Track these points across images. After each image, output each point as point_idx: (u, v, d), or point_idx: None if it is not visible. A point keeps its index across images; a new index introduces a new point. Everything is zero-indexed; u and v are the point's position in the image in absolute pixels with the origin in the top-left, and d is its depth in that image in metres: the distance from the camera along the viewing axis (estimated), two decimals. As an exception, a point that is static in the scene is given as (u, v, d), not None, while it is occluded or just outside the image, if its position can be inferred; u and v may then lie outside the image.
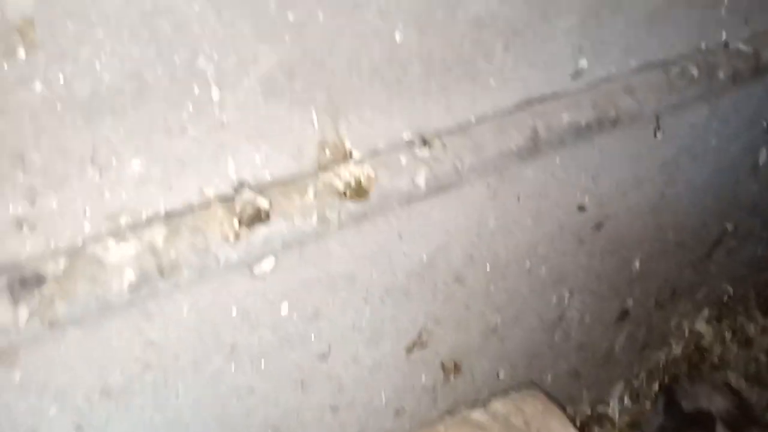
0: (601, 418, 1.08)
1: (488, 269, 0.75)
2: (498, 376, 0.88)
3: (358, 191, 0.53)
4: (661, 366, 1.15)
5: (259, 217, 0.48)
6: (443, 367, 0.79)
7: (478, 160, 0.63)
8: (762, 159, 1.02)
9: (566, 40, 0.67)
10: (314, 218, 0.52)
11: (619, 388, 1.12)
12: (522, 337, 0.87)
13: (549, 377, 0.97)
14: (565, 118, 0.67)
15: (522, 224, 0.75)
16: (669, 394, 0.99)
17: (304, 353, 0.63)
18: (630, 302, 1.00)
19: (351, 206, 0.54)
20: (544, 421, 0.75)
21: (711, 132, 0.91)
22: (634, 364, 1.12)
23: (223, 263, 0.48)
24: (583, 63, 0.69)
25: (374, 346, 0.69)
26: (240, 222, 0.48)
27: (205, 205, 0.49)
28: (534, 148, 0.66)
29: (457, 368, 0.81)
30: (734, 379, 1.10)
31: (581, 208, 0.81)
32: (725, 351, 1.14)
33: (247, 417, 0.61)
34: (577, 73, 0.69)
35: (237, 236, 0.48)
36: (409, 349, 0.73)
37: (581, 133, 0.70)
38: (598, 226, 0.84)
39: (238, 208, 0.48)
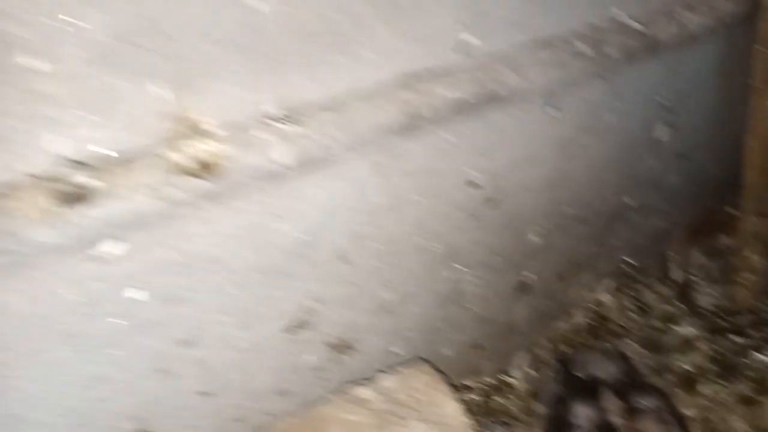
0: (503, 387, 1.10)
1: (376, 246, 0.73)
2: (391, 351, 0.87)
3: (209, 168, 0.49)
4: (563, 335, 1.17)
5: (83, 197, 0.44)
6: (331, 345, 0.77)
7: (351, 135, 0.60)
8: (659, 135, 1.03)
9: (448, 13, 0.64)
10: (156, 197, 0.48)
11: (522, 357, 1.14)
12: (416, 313, 0.86)
13: (449, 350, 0.97)
14: (446, 93, 0.64)
15: (410, 200, 0.73)
16: (563, 363, 1.01)
17: (164, 339, 0.60)
18: (529, 275, 1.01)
19: (201, 184, 0.50)
20: (428, 393, 0.75)
21: (607, 109, 0.91)
22: (536, 334, 1.14)
23: (43, 247, 0.44)
24: (467, 37, 0.66)
25: (248, 329, 0.67)
26: (61, 202, 0.43)
27: (18, 184, 0.44)
28: (413, 124, 0.64)
29: (346, 346, 0.79)
30: (632, 345, 1.13)
31: (472, 184, 0.79)
32: (625, 319, 1.18)
33: (99, 407, 0.58)
34: (461, 48, 0.66)
35: (57, 216, 0.43)
36: (291, 330, 0.71)
37: (465, 109, 0.68)
38: (492, 202, 0.83)
39: (59, 187, 0.44)
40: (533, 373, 1.13)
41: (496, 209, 0.84)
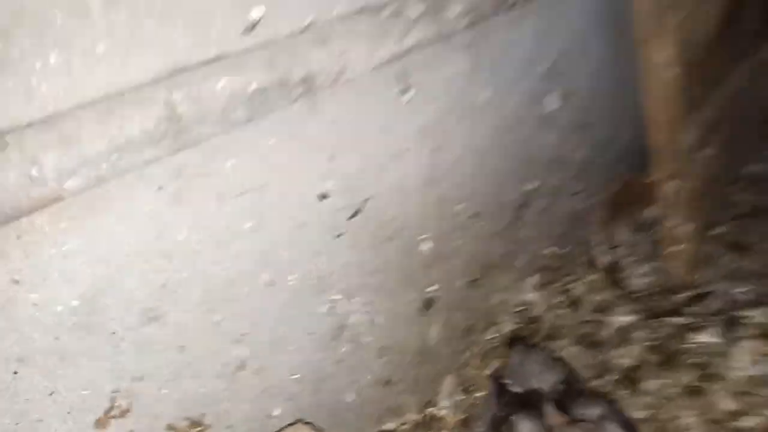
0: (431, 422, 0.93)
1: (199, 296, 0.56)
2: (270, 415, 0.70)
3: None
4: (492, 347, 1.02)
5: None
6: (173, 429, 0.60)
7: (81, 158, 0.43)
8: (549, 107, 0.90)
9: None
10: None
11: (448, 383, 0.98)
12: (291, 363, 0.69)
13: (351, 396, 0.81)
14: (235, 84, 0.48)
15: (236, 231, 0.57)
16: (497, 382, 0.86)
17: None
18: (432, 288, 0.86)
19: None
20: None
21: (478, 85, 0.77)
22: (459, 353, 0.98)
23: None
24: (258, 13, 0.51)
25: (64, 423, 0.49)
26: None
27: None
28: (180, 129, 0.47)
29: (196, 425, 0.62)
30: (567, 347, 0.99)
31: (323, 196, 0.64)
32: (555, 317, 1.04)
33: None
34: (251, 27, 0.51)
35: None
36: (102, 423, 0.53)
37: (272, 103, 0.52)
38: (355, 213, 0.68)
39: None
40: (464, 397, 0.98)
41: (362, 221, 0.69)
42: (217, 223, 0.55)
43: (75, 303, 0.48)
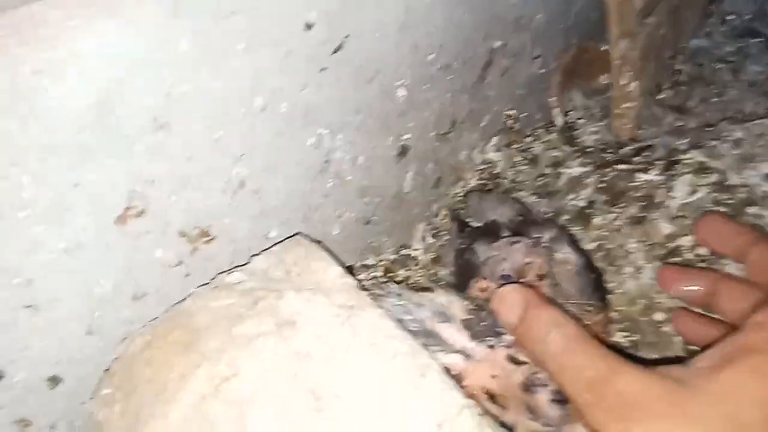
0: (405, 260, 1.02)
1: (201, 110, 0.60)
2: (267, 236, 0.76)
3: None
4: (458, 200, 1.10)
5: None
6: (185, 235, 0.65)
7: None
8: (514, -37, 0.94)
9: None
10: None
11: (420, 229, 1.06)
12: (284, 189, 0.75)
13: (336, 228, 0.88)
14: None
15: (232, 50, 0.60)
16: (458, 218, 0.95)
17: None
18: (407, 136, 0.92)
19: None
20: (305, 264, 0.65)
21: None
22: (430, 203, 1.06)
23: None
24: None
25: (60, 224, 0.53)
26: None
27: None
28: None
29: (205, 234, 0.67)
30: (526, 196, 1.07)
31: (309, 26, 0.67)
32: (516, 173, 1.12)
33: None
34: None
35: None
36: (121, 220, 0.58)
37: None
38: (338, 48, 0.72)
39: None
40: (433, 241, 1.06)
41: (345, 57, 0.73)
42: (213, 40, 0.58)
43: (92, 100, 0.51)
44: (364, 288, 0.63)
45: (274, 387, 0.53)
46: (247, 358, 0.55)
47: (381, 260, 1.00)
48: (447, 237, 1.06)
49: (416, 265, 1.02)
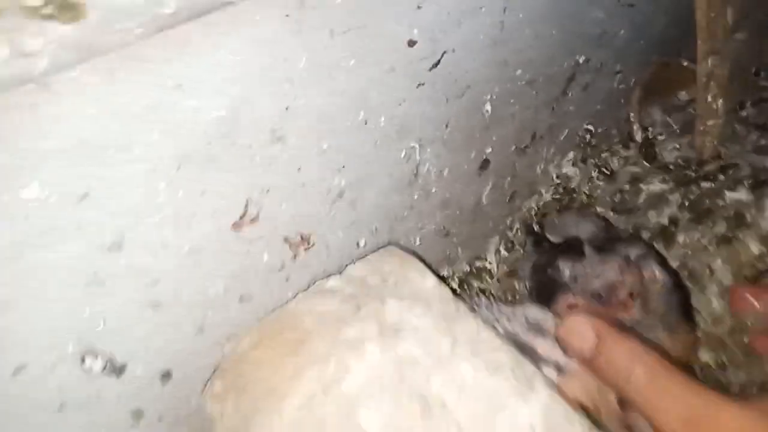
0: (479, 272, 1.03)
1: (312, 123, 0.63)
2: (358, 245, 0.79)
3: (68, 7, 0.38)
4: (533, 214, 1.11)
5: None
6: (287, 241, 0.68)
7: None
8: (602, -20, 0.94)
9: None
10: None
11: (494, 242, 1.07)
12: (375, 200, 0.78)
13: (417, 239, 0.90)
14: None
15: (343, 66, 0.63)
16: (535, 233, 0.95)
17: (84, 246, 0.50)
18: (489, 150, 0.93)
19: (63, 31, 0.39)
20: (402, 273, 0.67)
21: (543, -51, 0.81)
22: (505, 216, 1.07)
23: None
24: None
25: (187, 228, 0.57)
26: None
27: None
28: None
29: (305, 241, 0.70)
30: (603, 212, 1.07)
31: (412, 43, 0.69)
32: (592, 188, 1.11)
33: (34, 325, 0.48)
34: None
35: None
36: (237, 226, 0.62)
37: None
38: (435, 64, 0.74)
39: None
40: (508, 255, 1.07)
41: (441, 73, 0.75)
42: (327, 57, 0.61)
43: (221, 114, 0.54)
44: (460, 299, 0.65)
45: (382, 390, 0.55)
46: (354, 361, 0.57)
47: (455, 272, 1.01)
48: (521, 251, 1.07)
49: (491, 277, 1.03)
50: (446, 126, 0.82)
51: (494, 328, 0.65)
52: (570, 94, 1.02)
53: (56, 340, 0.52)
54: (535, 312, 0.70)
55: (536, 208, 1.11)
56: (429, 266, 0.70)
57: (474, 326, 0.60)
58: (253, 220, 0.63)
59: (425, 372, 0.56)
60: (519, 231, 1.09)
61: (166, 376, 0.63)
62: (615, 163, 1.14)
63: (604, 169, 1.13)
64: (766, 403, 0.45)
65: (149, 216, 0.54)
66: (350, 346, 0.58)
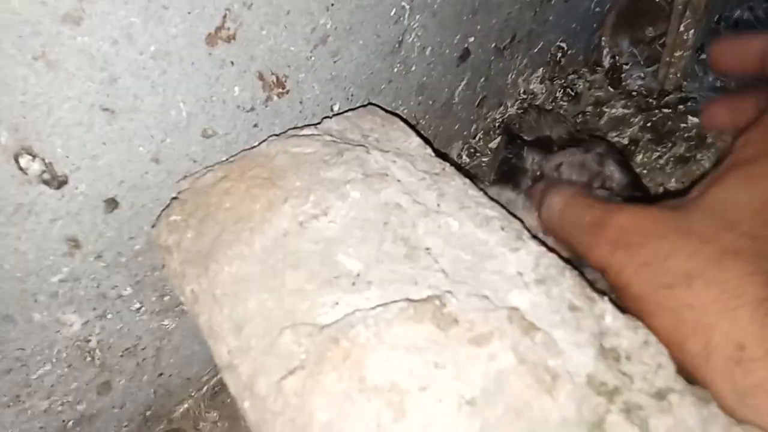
0: (441, 174, 1.00)
1: (309, -61, 0.56)
2: (332, 109, 0.72)
3: None
4: (496, 125, 1.08)
5: None
6: (262, 78, 0.61)
7: None
8: None
9: None
10: None
11: (457, 147, 1.04)
12: (357, 60, 0.71)
13: (388, 121, 0.84)
14: None
15: None
16: (509, 130, 0.93)
17: (39, 9, 0.41)
18: (471, 39, 0.88)
19: None
20: (384, 131, 0.61)
21: None
22: (471, 121, 1.04)
23: None
24: None
25: (157, 21, 0.48)
26: None
27: None
28: None
29: (280, 84, 0.63)
30: (564, 130, 1.06)
31: None
32: (555, 107, 1.10)
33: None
34: None
35: None
36: (211, 41, 0.53)
37: None
38: None
39: None
40: (469, 161, 1.05)
41: (447, -74, 0.69)
42: None
43: None
44: (446, 159, 0.61)
45: (364, 231, 0.50)
46: (334, 200, 0.52)
47: (419, 168, 0.97)
48: (483, 158, 1.05)
49: (452, 179, 1.00)
50: (438, -4, 0.76)
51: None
52: (552, 2, 0.99)
53: (-13, 123, 0.43)
54: (507, 193, 0.67)
55: (500, 120, 1.08)
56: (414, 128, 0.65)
57: (461, 183, 0.56)
58: (230, 37, 0.55)
59: (410, 219, 0.52)
60: (482, 140, 1.06)
61: (111, 203, 0.55)
62: (580, 86, 1.13)
63: (569, 90, 1.13)
64: (667, 202, 0.47)
65: (115, -6, 0.45)
66: (331, 187, 0.53)
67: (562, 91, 1.13)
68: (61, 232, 0.52)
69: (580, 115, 1.09)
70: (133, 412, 0.73)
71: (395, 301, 0.44)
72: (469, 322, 0.42)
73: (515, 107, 1.11)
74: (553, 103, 1.11)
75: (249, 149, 0.60)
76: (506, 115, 1.10)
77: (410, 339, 0.41)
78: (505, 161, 0.87)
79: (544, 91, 1.12)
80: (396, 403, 0.38)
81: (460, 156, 1.04)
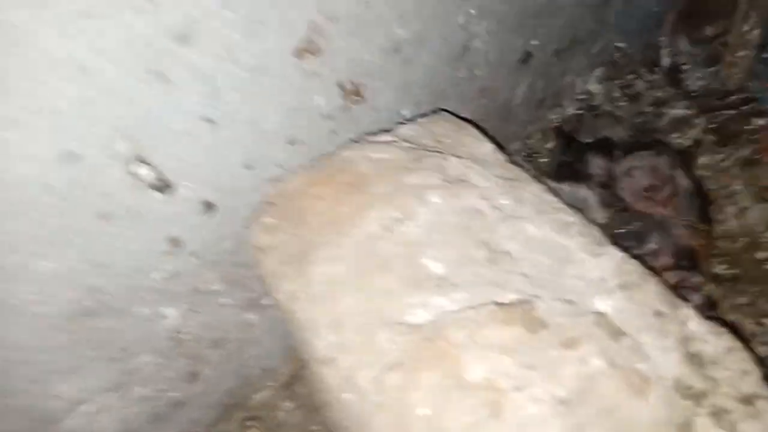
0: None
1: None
2: (401, 114, 0.75)
3: None
4: (553, 126, 1.08)
5: None
6: (341, 87, 0.63)
7: None
8: None
9: None
10: None
11: (514, 147, 1.05)
12: (426, 66, 0.73)
13: (453, 124, 0.86)
14: None
15: None
16: (564, 133, 0.93)
17: (151, 24, 0.44)
18: (533, 42, 0.89)
19: None
20: (457, 137, 0.63)
21: None
22: (529, 122, 1.04)
23: None
24: None
25: (254, 39, 0.51)
26: None
27: None
28: None
29: (357, 92, 0.66)
30: (626, 132, 1.06)
31: None
32: (614, 108, 1.10)
33: (85, 111, 0.43)
34: None
35: None
36: (299, 54, 0.56)
37: None
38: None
39: None
40: (526, 161, 1.05)
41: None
42: None
43: None
44: (520, 165, 0.62)
45: (446, 235, 0.52)
46: (417, 206, 0.54)
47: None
48: (541, 159, 1.05)
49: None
50: (503, 2, 0.77)
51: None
52: (611, 3, 0.99)
53: (108, 132, 0.46)
54: (583, 191, 0.68)
55: (557, 121, 1.09)
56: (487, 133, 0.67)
57: (537, 189, 0.58)
58: (315, 51, 0.57)
59: (490, 224, 0.54)
60: (537, 140, 1.07)
61: (208, 206, 0.58)
62: (639, 86, 1.12)
63: (627, 91, 1.12)
64: None
65: (219, 11, 0.48)
66: (413, 192, 0.55)
67: (620, 91, 1.12)
68: (165, 232, 0.56)
69: (639, 116, 1.08)
70: (216, 400, 0.77)
71: (483, 304, 0.46)
72: (557, 326, 0.44)
73: (573, 108, 1.11)
74: (612, 104, 1.10)
75: (330, 154, 0.62)
76: (564, 116, 1.10)
77: (502, 341, 0.43)
78: (564, 164, 0.88)
79: (602, 91, 1.12)
80: (492, 402, 0.40)
81: (519, 153, 1.05)
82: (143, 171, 0.50)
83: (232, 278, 0.66)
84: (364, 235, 0.53)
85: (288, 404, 0.80)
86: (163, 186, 0.52)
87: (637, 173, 0.78)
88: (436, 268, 0.51)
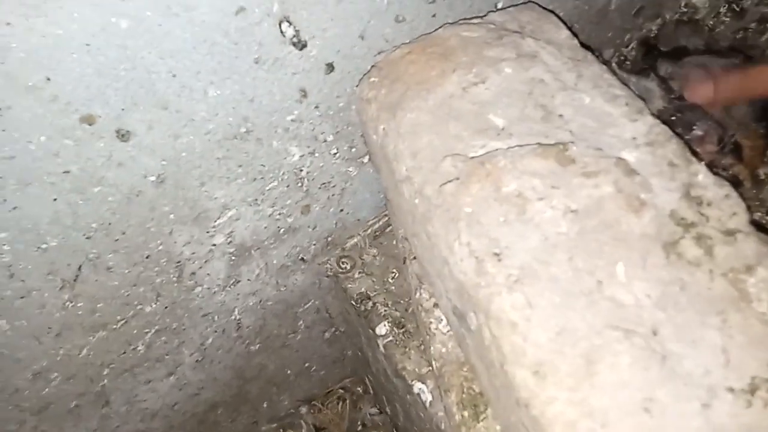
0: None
1: None
2: (495, 6, 0.84)
3: None
4: (651, 37, 1.11)
5: None
6: (444, -24, 0.74)
7: None
8: None
9: None
10: None
11: (608, 54, 1.09)
12: (523, -36, 0.81)
13: (544, 23, 0.93)
14: None
15: None
16: (648, 43, 0.97)
17: None
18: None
19: None
20: (538, 24, 0.72)
21: None
22: (626, 30, 1.08)
23: None
24: None
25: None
26: None
27: None
28: None
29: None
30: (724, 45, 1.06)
31: None
32: (717, 23, 1.09)
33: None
34: None
35: None
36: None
37: None
38: None
39: None
40: (617, 69, 1.09)
41: None
42: None
43: None
44: (589, 51, 0.71)
45: (511, 98, 0.64)
46: (491, 73, 0.66)
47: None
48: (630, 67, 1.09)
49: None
50: None
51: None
52: None
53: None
54: (646, 82, 0.75)
55: (655, 31, 1.11)
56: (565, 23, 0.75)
57: (598, 69, 0.67)
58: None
59: (550, 92, 0.64)
60: (634, 50, 1.10)
61: (330, 66, 0.73)
62: (748, 2, 1.10)
63: (734, 6, 1.10)
64: None
65: None
66: (489, 63, 0.67)
67: (726, 6, 1.10)
68: (297, 83, 0.73)
69: (741, 31, 1.07)
70: (320, 235, 0.97)
71: (529, 145, 0.58)
72: (583, 163, 0.55)
73: (674, 20, 1.11)
74: (715, 18, 1.10)
75: (428, 34, 0.74)
76: (662, 27, 1.11)
77: (536, 168, 0.55)
78: (641, 72, 0.93)
79: (707, 5, 1.11)
80: (519, 205, 0.53)
81: (609, 62, 1.09)
82: (288, 29, 0.66)
83: (341, 132, 0.82)
84: (445, 93, 0.65)
85: (373, 251, 0.98)
86: (300, 43, 0.68)
87: (687, 69, 0.82)
88: (499, 122, 0.63)
